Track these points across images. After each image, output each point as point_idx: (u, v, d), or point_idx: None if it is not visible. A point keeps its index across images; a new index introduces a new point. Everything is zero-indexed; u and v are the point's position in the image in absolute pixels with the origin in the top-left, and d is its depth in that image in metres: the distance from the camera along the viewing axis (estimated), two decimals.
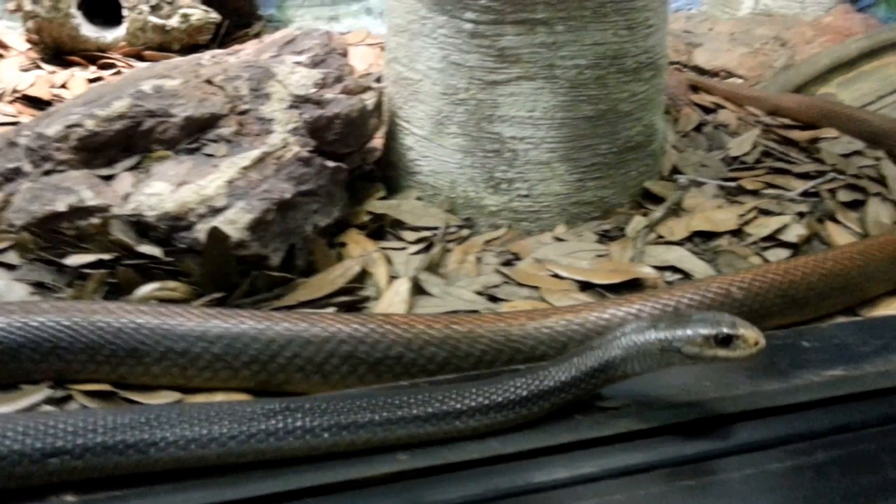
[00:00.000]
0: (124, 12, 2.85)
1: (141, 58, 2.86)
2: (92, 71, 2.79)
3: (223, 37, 3.10)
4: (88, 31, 2.86)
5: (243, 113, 1.77)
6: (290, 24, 3.47)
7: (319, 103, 1.81)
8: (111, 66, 2.81)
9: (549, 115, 1.77)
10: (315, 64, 1.98)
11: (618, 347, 1.10)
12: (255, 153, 1.66)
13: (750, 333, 1.07)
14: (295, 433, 1.02)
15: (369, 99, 1.87)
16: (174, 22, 2.91)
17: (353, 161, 2.09)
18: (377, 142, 2.08)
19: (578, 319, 1.34)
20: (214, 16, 3.00)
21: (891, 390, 1.19)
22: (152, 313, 1.27)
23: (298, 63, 1.94)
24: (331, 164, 1.76)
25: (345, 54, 2.20)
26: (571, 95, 1.75)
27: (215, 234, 1.47)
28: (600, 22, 1.70)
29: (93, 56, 2.85)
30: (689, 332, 1.07)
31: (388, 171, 2.05)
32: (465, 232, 1.87)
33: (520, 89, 1.75)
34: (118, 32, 2.88)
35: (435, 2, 1.73)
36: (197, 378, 1.24)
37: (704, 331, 1.07)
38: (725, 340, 1.06)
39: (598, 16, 1.69)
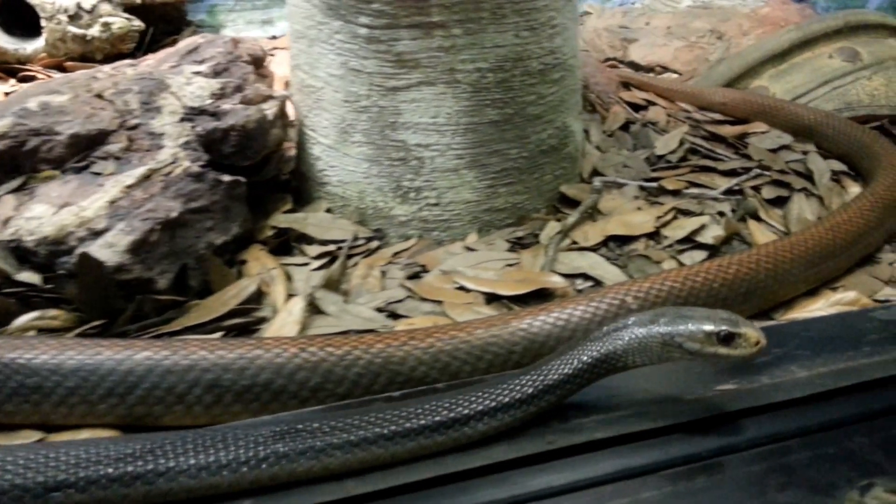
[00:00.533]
0: (42, 23, 2.75)
1: (62, 69, 2.76)
2: (11, 84, 2.69)
3: (150, 45, 3.01)
4: (6, 42, 2.77)
5: (133, 128, 1.69)
6: (221, 30, 3.38)
7: (215, 115, 1.74)
8: (32, 78, 2.71)
9: (453, 121, 1.70)
10: (216, 73, 1.90)
11: (620, 340, 1.09)
12: (140, 170, 1.58)
13: (751, 332, 1.06)
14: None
15: (269, 108, 1.80)
16: (95, 31, 2.81)
17: (268, 172, 2.02)
18: (294, 151, 2.01)
19: (463, 337, 1.27)
20: (137, 23, 2.91)
21: (782, 404, 1.14)
22: (5, 346, 1.19)
23: (198, 73, 1.86)
24: (227, 178, 1.68)
25: (253, 62, 2.12)
26: (475, 100, 1.69)
27: (85, 259, 1.39)
28: (499, 24, 1.63)
29: (13, 69, 2.75)
30: (690, 327, 1.07)
31: (300, 182, 1.98)
32: (374, 244, 1.80)
33: (421, 95, 1.68)
34: (38, 44, 2.78)
35: (329, 6, 1.66)
36: (53, 414, 1.17)
37: (707, 327, 1.06)
38: (727, 338, 1.06)
39: (497, 17, 1.62)
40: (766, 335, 1.15)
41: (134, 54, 2.90)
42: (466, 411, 1.06)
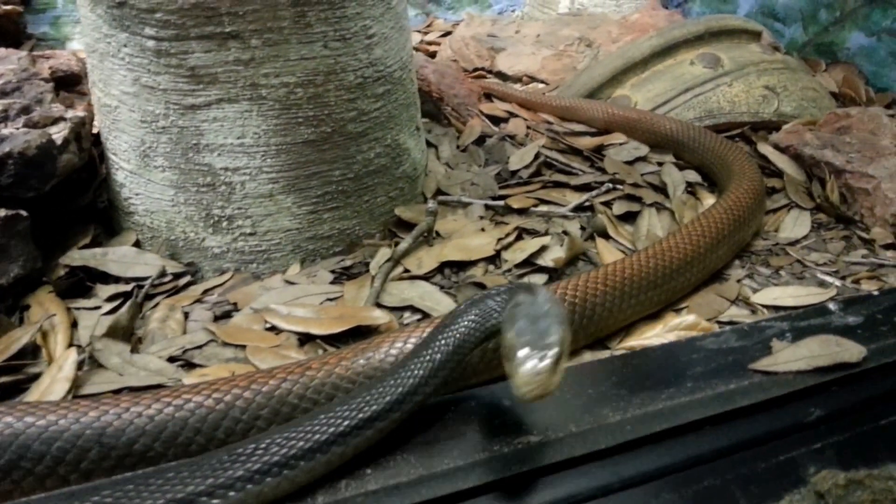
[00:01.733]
0: None
1: None
2: None
3: None
4: None
5: None
6: (67, 43, 3.13)
7: None
8: None
9: (262, 142, 1.53)
10: (4, 93, 1.69)
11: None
12: None
13: (523, 378, 0.91)
14: None
15: (58, 132, 1.59)
16: None
17: (85, 199, 1.82)
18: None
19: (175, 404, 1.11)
20: None
21: (586, 458, 1.01)
22: None
23: None
24: (2, 213, 1.47)
25: (60, 79, 1.91)
26: (285, 118, 1.52)
27: None
28: (304, 34, 1.47)
29: None
30: (511, 333, 0.98)
31: (111, 211, 1.77)
32: (183, 280, 1.61)
33: (223, 113, 1.50)
34: None
35: (113, 17, 1.47)
36: None
37: (511, 337, 0.98)
38: (515, 364, 0.94)
39: (300, 27, 1.46)
40: (583, 375, 1.03)
41: None
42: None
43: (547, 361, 0.92)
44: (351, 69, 1.55)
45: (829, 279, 1.67)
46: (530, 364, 0.92)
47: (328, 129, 1.57)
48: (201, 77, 1.47)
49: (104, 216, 1.83)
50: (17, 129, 1.57)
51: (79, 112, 1.69)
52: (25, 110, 1.62)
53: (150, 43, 1.45)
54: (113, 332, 1.39)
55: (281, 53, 1.47)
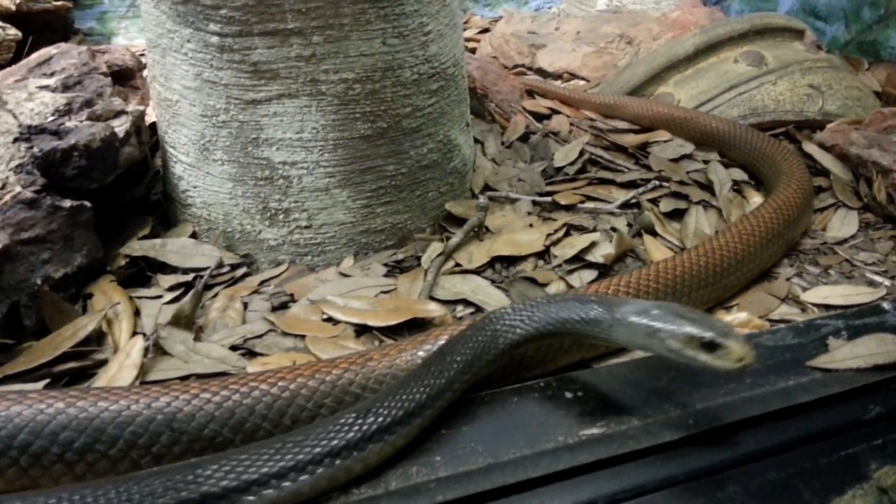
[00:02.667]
0: None
1: None
2: None
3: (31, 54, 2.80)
4: None
5: None
6: (112, 38, 3.19)
7: (57, 133, 1.56)
8: None
9: (320, 137, 1.56)
10: (67, 87, 1.73)
11: (609, 315, 1.10)
12: None
13: (736, 347, 0.98)
14: None
15: (120, 125, 1.63)
16: None
17: (132, 193, 1.86)
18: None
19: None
20: (13, 32, 2.71)
21: (650, 450, 1.03)
22: None
23: (44, 87, 1.69)
24: (67, 203, 1.51)
25: (116, 73, 1.96)
26: (343, 113, 1.55)
27: None
28: (364, 31, 1.49)
29: None
30: (675, 326, 1.03)
31: (167, 203, 1.82)
32: (240, 271, 1.65)
33: (283, 108, 1.53)
34: None
35: (178, 13, 1.51)
36: None
37: (690, 329, 1.01)
38: (710, 346, 1.00)
39: (360, 24, 1.48)
40: (642, 370, 1.06)
41: (13, 65, 2.70)
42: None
43: (743, 335, 1.02)
44: (408, 65, 1.58)
45: (878, 279, 1.67)
46: (732, 339, 0.99)
47: (384, 124, 1.59)
48: (263, 72, 1.50)
49: (158, 208, 1.87)
50: (81, 122, 1.61)
51: (139, 106, 1.73)
52: (88, 104, 1.67)
53: (214, 39, 1.49)
54: (176, 321, 1.42)
55: (341, 50, 1.50)
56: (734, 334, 1.00)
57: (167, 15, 1.54)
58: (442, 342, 1.24)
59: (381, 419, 1.01)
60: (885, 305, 1.40)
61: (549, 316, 1.13)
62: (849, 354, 1.24)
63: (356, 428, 1.01)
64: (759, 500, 0.98)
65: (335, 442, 1.00)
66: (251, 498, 0.97)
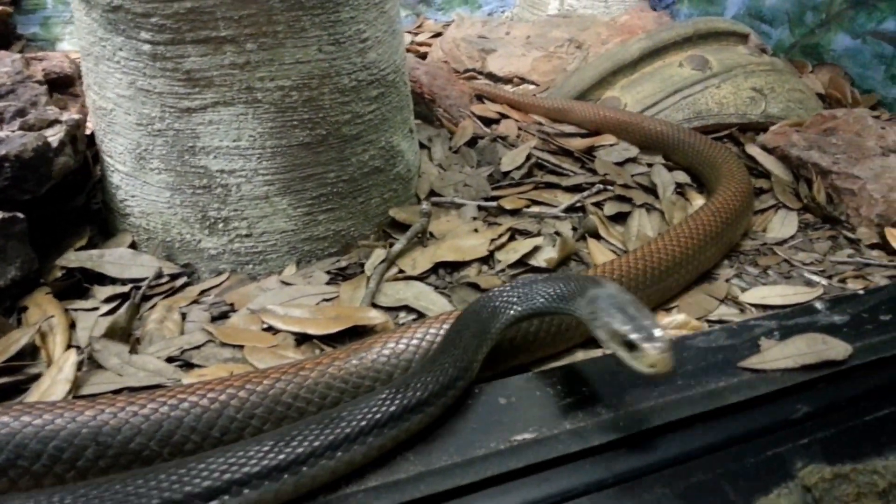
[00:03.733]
0: None
1: None
2: None
3: None
4: None
5: None
6: (57, 43, 3.13)
7: None
8: None
9: (258, 144, 1.55)
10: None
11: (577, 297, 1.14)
12: None
13: (652, 352, 0.99)
14: None
15: (54, 135, 1.60)
16: None
17: (78, 200, 1.83)
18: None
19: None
20: None
21: (580, 454, 1.03)
22: None
23: None
24: None
25: (53, 81, 1.92)
26: (280, 121, 1.54)
27: None
28: (299, 38, 1.48)
29: None
30: (608, 318, 1.06)
31: (106, 213, 1.79)
32: (180, 281, 1.63)
33: (219, 116, 1.52)
34: None
35: (109, 21, 1.48)
36: None
37: (617, 326, 1.04)
38: (629, 345, 1.02)
39: (295, 31, 1.47)
40: (576, 373, 1.06)
41: None
42: None
43: (667, 340, 1.00)
44: (345, 72, 1.57)
45: (815, 278, 1.71)
46: (651, 343, 1.00)
47: (323, 131, 1.58)
48: (197, 80, 1.48)
49: (98, 218, 1.84)
50: (13, 131, 1.58)
51: (74, 115, 1.70)
52: (21, 113, 1.63)
53: (146, 47, 1.47)
54: (111, 333, 1.40)
55: (276, 57, 1.48)
56: (658, 339, 1.00)
57: (98, 23, 1.51)
58: (377, 349, 1.24)
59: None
60: (818, 305, 1.42)
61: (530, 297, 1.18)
62: (779, 355, 1.26)
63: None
64: (686, 502, 0.99)
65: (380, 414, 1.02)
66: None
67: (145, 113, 1.54)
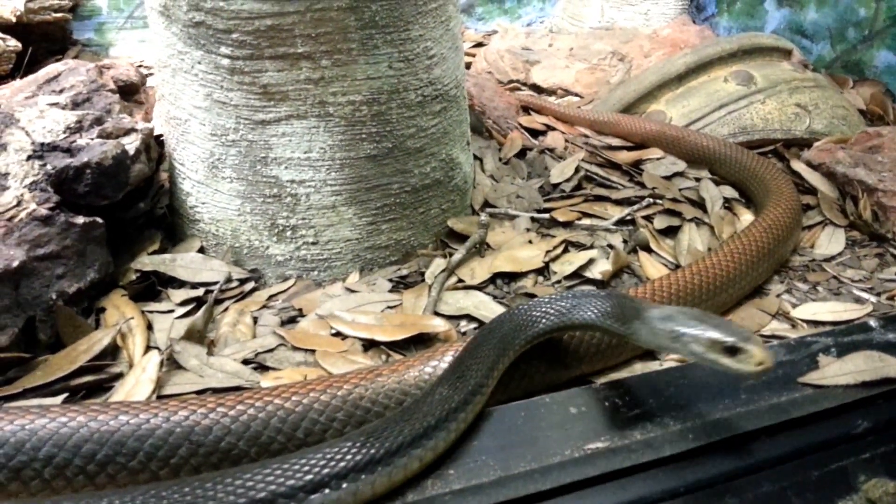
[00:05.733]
0: None
1: None
2: None
3: (31, 65, 2.83)
4: None
5: None
6: (109, 48, 3.21)
7: (69, 151, 1.60)
8: None
9: (327, 156, 1.61)
10: (76, 104, 1.77)
11: (637, 318, 1.18)
12: None
13: (756, 351, 1.06)
14: None
15: (131, 142, 1.67)
16: None
17: (137, 209, 1.89)
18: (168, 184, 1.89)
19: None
20: (13, 44, 2.73)
21: (652, 463, 1.08)
22: None
23: (54, 104, 1.72)
24: (80, 220, 1.55)
25: (123, 89, 2.00)
26: (350, 134, 1.60)
27: None
28: (371, 55, 1.54)
29: None
30: (698, 331, 1.10)
31: (174, 218, 1.85)
32: (248, 286, 1.69)
33: (292, 129, 1.58)
34: None
35: (189, 36, 1.55)
36: None
37: (713, 334, 1.09)
38: (731, 350, 1.08)
39: (367, 48, 1.53)
40: (642, 385, 1.11)
41: (13, 75, 2.73)
42: None
43: (758, 340, 1.09)
44: (412, 88, 1.63)
45: (864, 295, 1.74)
46: (753, 344, 1.07)
47: (389, 144, 1.64)
48: (273, 94, 1.55)
49: (163, 221, 1.90)
50: (92, 139, 1.65)
51: (147, 123, 1.77)
52: (98, 121, 1.70)
53: (225, 61, 1.53)
54: (190, 335, 1.46)
55: (349, 73, 1.54)
56: (754, 339, 1.08)
57: (178, 37, 1.58)
58: (449, 358, 1.29)
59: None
60: (872, 323, 1.46)
61: (578, 310, 1.22)
62: (838, 371, 1.30)
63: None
64: None
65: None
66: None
67: (220, 124, 1.61)
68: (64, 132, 1.63)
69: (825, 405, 1.21)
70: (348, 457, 1.02)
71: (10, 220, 1.47)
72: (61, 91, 1.80)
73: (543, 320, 1.24)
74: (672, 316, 1.15)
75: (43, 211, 1.50)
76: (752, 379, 1.21)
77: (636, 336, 1.19)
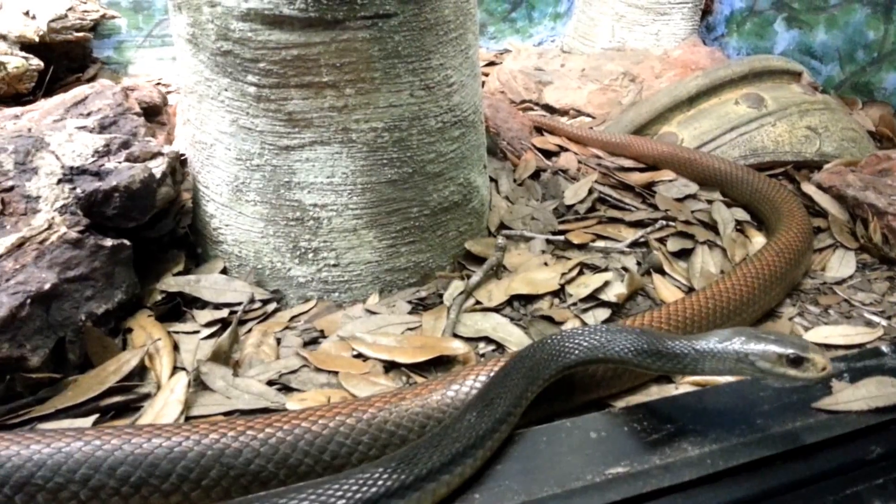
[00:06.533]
0: None
1: None
2: None
3: (52, 83, 2.88)
4: None
5: (7, 190, 1.58)
6: (129, 66, 3.27)
7: (98, 174, 1.64)
8: None
9: (349, 181, 1.65)
10: (103, 127, 1.81)
11: (691, 348, 1.21)
12: (11, 238, 1.48)
13: (819, 358, 1.14)
14: None
15: (157, 166, 1.71)
16: None
17: (161, 230, 1.93)
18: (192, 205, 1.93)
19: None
20: (36, 63, 2.78)
21: (672, 489, 1.11)
22: None
23: (82, 127, 1.77)
24: (109, 242, 1.59)
25: (146, 111, 2.05)
26: (371, 159, 1.64)
27: None
28: (393, 83, 1.58)
29: None
30: (763, 347, 1.16)
31: (197, 240, 1.89)
32: (271, 307, 1.73)
33: (315, 154, 1.62)
34: None
35: (216, 63, 1.59)
36: None
37: (778, 349, 1.15)
38: (796, 361, 1.14)
39: (390, 77, 1.58)
40: (660, 410, 1.14)
41: (35, 93, 2.78)
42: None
43: (814, 347, 1.16)
44: (433, 115, 1.67)
45: (875, 318, 1.77)
46: (813, 352, 1.14)
47: (409, 169, 1.68)
48: (297, 121, 1.59)
49: (185, 242, 1.94)
50: (120, 163, 1.69)
51: (173, 147, 1.81)
52: (125, 145, 1.74)
53: (252, 89, 1.57)
54: (216, 357, 1.50)
55: (371, 101, 1.58)
56: (812, 347, 1.15)
57: (205, 64, 1.62)
58: (470, 381, 1.32)
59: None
60: (884, 348, 1.49)
61: (612, 345, 1.26)
62: (851, 397, 1.32)
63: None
64: None
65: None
66: None
67: (245, 149, 1.65)
68: (92, 156, 1.67)
69: (839, 431, 1.24)
70: (380, 482, 1.05)
71: (41, 242, 1.51)
72: (89, 114, 1.84)
73: (575, 352, 1.27)
74: (728, 338, 1.19)
75: (73, 234, 1.54)
76: (816, 384, 1.27)
77: (694, 366, 1.22)
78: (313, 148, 1.61)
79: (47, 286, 1.46)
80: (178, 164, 1.86)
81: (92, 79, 2.99)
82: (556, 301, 1.76)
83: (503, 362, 1.30)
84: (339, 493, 1.03)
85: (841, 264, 1.99)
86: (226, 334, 1.55)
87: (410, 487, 1.05)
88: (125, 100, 1.91)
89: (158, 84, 2.97)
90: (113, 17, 3.08)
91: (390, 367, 1.54)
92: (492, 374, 1.32)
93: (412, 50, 1.58)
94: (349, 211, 1.67)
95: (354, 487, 1.03)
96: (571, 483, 1.11)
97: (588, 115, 2.86)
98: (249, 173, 1.67)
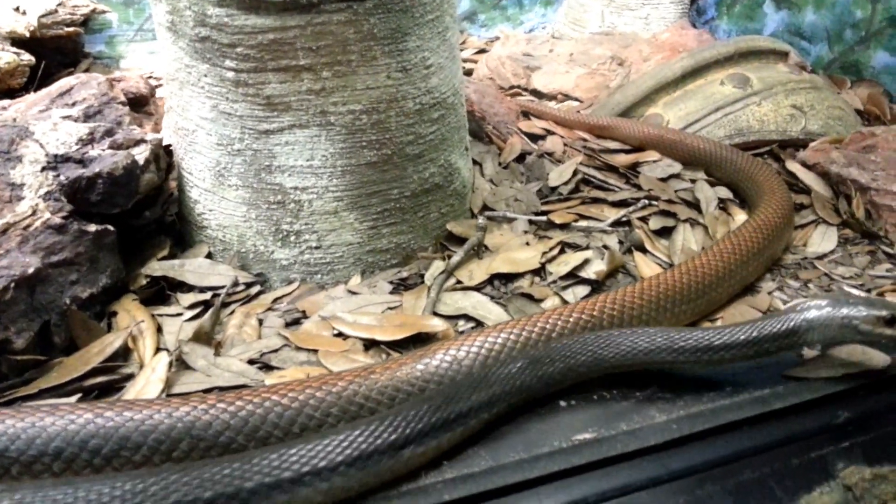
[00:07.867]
0: None
1: None
2: None
3: (44, 78, 2.91)
4: None
5: None
6: (120, 61, 3.30)
7: (82, 162, 1.67)
8: None
9: (329, 164, 1.67)
10: (88, 116, 1.84)
11: (802, 320, 1.27)
12: None
13: None
14: None
15: (141, 153, 1.74)
16: None
17: (147, 216, 1.96)
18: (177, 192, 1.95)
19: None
20: (27, 58, 2.81)
21: (637, 453, 1.13)
22: None
23: (67, 117, 1.80)
24: (93, 227, 1.62)
25: (132, 101, 2.07)
26: (350, 142, 1.66)
27: None
28: (370, 66, 1.60)
29: None
30: (865, 312, 1.24)
31: (182, 225, 1.92)
32: (254, 289, 1.75)
33: (295, 138, 1.64)
34: None
35: (195, 50, 1.62)
36: None
37: (878, 312, 1.24)
38: (891, 321, 1.23)
39: (367, 60, 1.59)
40: (630, 379, 1.16)
41: (27, 88, 2.81)
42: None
43: None
44: (410, 97, 1.69)
45: (855, 292, 1.78)
46: None
47: (389, 151, 1.70)
48: (276, 105, 1.61)
49: (172, 228, 1.97)
50: (104, 150, 1.72)
51: (157, 134, 1.83)
52: (109, 133, 1.77)
53: (230, 74, 1.60)
54: (198, 337, 1.52)
55: (349, 84, 1.60)
56: None
57: (185, 51, 1.64)
58: (440, 356, 1.35)
59: None
60: None
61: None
62: (821, 365, 1.34)
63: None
64: (735, 498, 1.08)
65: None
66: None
67: (226, 134, 1.67)
68: (76, 144, 1.69)
69: (807, 397, 1.26)
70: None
71: (25, 228, 1.54)
72: (74, 104, 1.87)
73: (649, 348, 1.29)
74: (828, 306, 1.27)
75: (57, 220, 1.57)
76: None
77: (805, 338, 1.27)
78: (292, 131, 1.64)
79: (31, 270, 1.48)
80: (163, 152, 1.88)
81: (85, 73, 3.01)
82: (537, 279, 1.78)
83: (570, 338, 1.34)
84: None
85: (823, 240, 2.01)
86: (207, 315, 1.58)
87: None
88: (110, 90, 1.94)
89: (150, 77, 2.99)
90: (104, 12, 3.12)
91: (370, 344, 1.56)
92: (460, 349, 1.35)
93: (388, 32, 1.60)
94: (329, 193, 1.69)
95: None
96: (539, 448, 1.14)
97: (576, 100, 2.88)
98: (231, 158, 1.70)
